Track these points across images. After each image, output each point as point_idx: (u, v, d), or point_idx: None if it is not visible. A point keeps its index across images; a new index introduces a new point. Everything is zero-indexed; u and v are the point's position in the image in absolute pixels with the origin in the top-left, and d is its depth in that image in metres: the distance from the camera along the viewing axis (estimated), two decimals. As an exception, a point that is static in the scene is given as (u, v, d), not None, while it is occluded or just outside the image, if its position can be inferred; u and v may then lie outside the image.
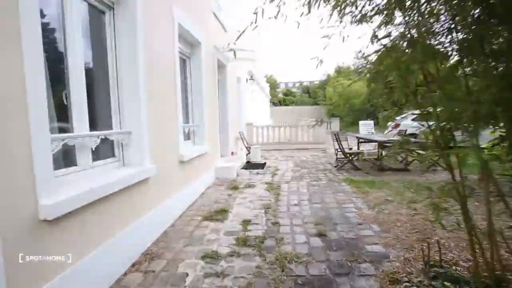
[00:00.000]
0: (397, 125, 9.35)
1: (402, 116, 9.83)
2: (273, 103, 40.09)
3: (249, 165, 7.58)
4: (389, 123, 10.07)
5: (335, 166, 7.17)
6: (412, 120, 9.27)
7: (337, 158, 7.90)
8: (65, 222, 1.92)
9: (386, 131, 10.04)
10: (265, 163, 7.82)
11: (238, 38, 2.44)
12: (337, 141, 7.00)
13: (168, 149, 3.68)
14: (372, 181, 5.54)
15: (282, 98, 47.29)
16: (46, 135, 1.80)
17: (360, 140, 8.14)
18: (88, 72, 2.50)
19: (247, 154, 8.58)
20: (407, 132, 8.39)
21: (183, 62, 4.99)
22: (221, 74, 7.36)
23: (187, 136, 5.05)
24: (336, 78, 27.60)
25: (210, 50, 5.97)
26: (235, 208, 4.15)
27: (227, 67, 7.55)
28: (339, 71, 31.52)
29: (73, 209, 1.95)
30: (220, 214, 3.87)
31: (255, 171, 6.83)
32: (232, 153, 7.70)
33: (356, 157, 7.24)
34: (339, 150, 7.29)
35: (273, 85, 45.77)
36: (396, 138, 6.90)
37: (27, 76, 1.66)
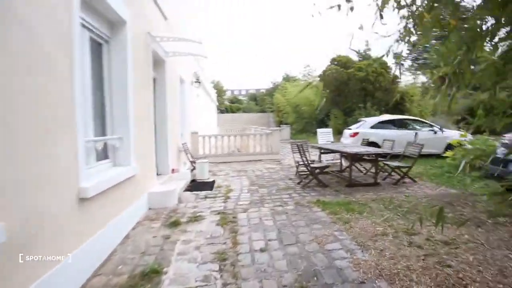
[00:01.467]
0: (355, 133, 8.84)
1: (360, 124, 9.40)
2: (220, 110, 38.78)
3: (195, 185, 6.14)
4: (345, 131, 9.56)
5: (299, 183, 6.15)
6: (372, 127, 8.87)
7: (298, 173, 6.94)
8: None
9: (343, 140, 9.48)
10: (214, 182, 6.46)
11: None
12: (300, 153, 6.01)
13: (49, 183, 2.13)
14: (347, 202, 4.60)
15: (228, 105, 46.15)
16: None
17: (322, 151, 7.32)
18: None
19: (191, 170, 7.12)
20: (370, 140, 7.87)
21: (95, 45, 3.44)
22: (158, 72, 5.85)
23: (102, 155, 3.48)
24: (284, 85, 27.41)
25: (142, 37, 4.48)
26: (174, 263, 2.74)
27: (166, 64, 6.07)
28: (287, 78, 31.62)
29: None
30: (149, 279, 2.44)
31: (203, 193, 5.43)
32: (173, 170, 6.18)
33: (321, 172, 6.33)
34: (300, 163, 6.33)
35: (220, 91, 44.51)
36: (370, 148, 6.19)
37: None
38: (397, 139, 7.27)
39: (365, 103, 14.85)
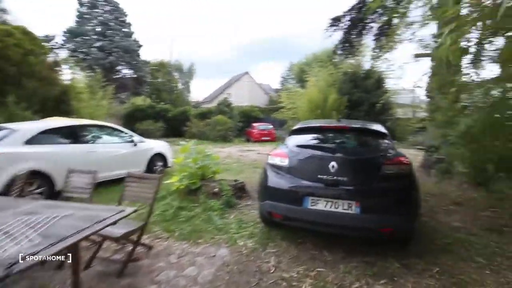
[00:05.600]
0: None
1: (2, 135, 4.60)
2: None
3: None
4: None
5: None
6: (29, 142, 4.52)
7: None
8: None
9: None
10: None
11: None
12: None
13: None
14: None
15: None
16: None
17: None
18: None
19: None
20: (31, 168, 3.72)
21: None
22: None
23: None
24: None
25: None
26: None
27: None
28: None
29: None
30: None
31: None
32: None
33: None
34: None
35: None
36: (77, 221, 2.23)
37: None
38: (95, 163, 3.97)
39: (4, 95, 9.00)
